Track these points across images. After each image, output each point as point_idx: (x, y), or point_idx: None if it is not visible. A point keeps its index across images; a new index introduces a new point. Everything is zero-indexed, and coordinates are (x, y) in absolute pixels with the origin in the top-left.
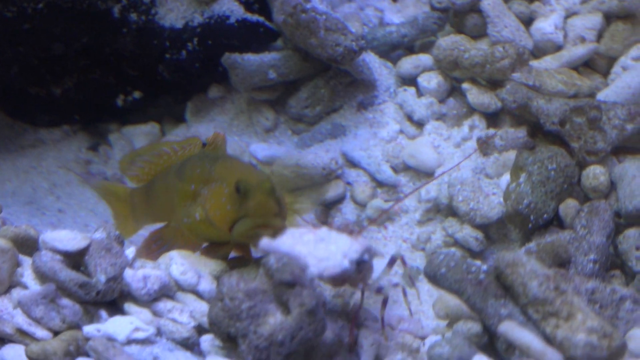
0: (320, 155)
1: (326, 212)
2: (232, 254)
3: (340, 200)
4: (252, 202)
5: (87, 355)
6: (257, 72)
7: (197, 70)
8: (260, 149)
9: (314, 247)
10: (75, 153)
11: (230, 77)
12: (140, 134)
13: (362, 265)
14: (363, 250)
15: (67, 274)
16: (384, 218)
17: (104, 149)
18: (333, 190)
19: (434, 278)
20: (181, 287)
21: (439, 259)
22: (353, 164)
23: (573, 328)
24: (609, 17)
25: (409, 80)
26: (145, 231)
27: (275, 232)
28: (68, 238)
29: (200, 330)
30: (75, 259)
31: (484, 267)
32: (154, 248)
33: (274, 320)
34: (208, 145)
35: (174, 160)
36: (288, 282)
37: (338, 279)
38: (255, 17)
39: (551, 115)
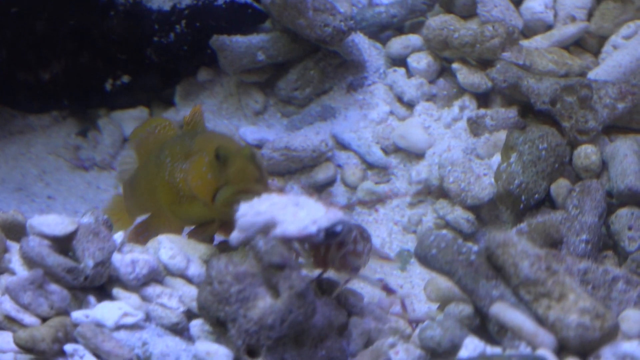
0: (310, 137)
1: (317, 195)
2: (221, 238)
3: (330, 183)
4: (232, 167)
5: (76, 341)
6: (246, 54)
7: (185, 53)
8: (250, 132)
9: (285, 210)
10: (64, 139)
11: (218, 59)
12: (130, 119)
13: (332, 237)
14: (336, 222)
15: (55, 259)
16: (374, 200)
17: (93, 134)
18: (323, 173)
19: (425, 260)
20: (170, 272)
21: (429, 240)
22: (343, 146)
23: (565, 309)
24: None
25: (399, 61)
26: None
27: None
28: (56, 222)
29: (189, 315)
30: (63, 244)
31: (475, 248)
32: (140, 240)
33: (264, 303)
34: (187, 124)
35: (150, 146)
36: (277, 265)
37: (306, 245)
38: None
39: (542, 94)
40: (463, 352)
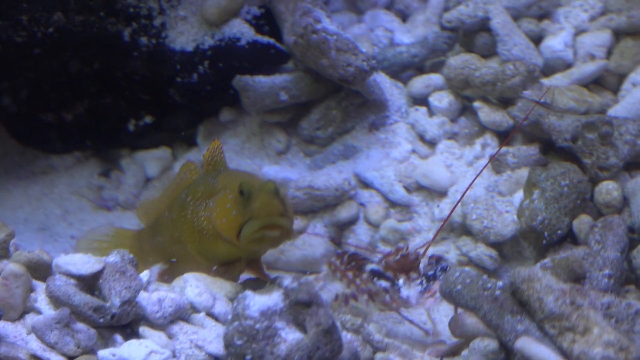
0: (333, 176)
1: (340, 234)
2: (248, 276)
3: (353, 221)
4: (256, 202)
5: None
6: (269, 94)
7: (208, 93)
8: (273, 171)
9: None
10: (87, 179)
11: (241, 99)
12: (152, 159)
13: None
14: None
15: (81, 298)
16: (397, 238)
17: (116, 174)
18: (346, 212)
19: (450, 296)
20: (196, 310)
21: (454, 276)
22: (366, 184)
23: (589, 342)
24: (618, 34)
25: (420, 100)
26: None
27: (283, 233)
28: (82, 262)
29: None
30: (90, 283)
31: (500, 283)
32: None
33: (291, 340)
34: (207, 162)
35: (177, 192)
36: (304, 302)
37: None
38: (265, 39)
39: (563, 131)
40: None
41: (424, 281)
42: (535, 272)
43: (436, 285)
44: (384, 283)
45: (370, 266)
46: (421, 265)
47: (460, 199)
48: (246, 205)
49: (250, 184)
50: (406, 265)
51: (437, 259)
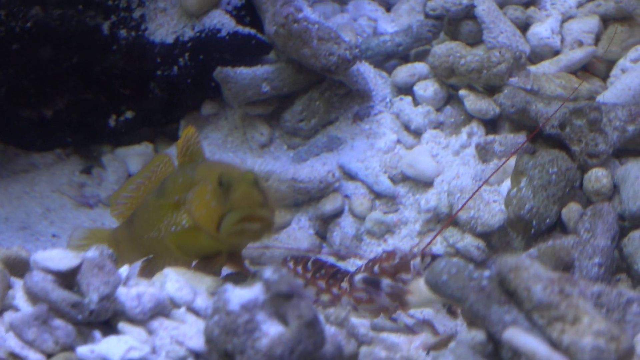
0: (316, 168)
1: (325, 227)
2: (228, 271)
3: (338, 214)
4: (235, 193)
5: None
6: (250, 85)
7: (189, 86)
8: (256, 164)
9: None
10: (68, 176)
11: (223, 91)
12: (134, 155)
13: None
14: None
15: (59, 294)
16: (383, 230)
17: (98, 171)
18: (331, 204)
19: (436, 286)
20: (177, 305)
21: (440, 266)
22: (350, 176)
23: (579, 332)
24: (606, 20)
25: (405, 90)
26: None
27: (263, 225)
28: (59, 257)
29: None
30: (68, 279)
31: (487, 273)
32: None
33: (272, 334)
34: (181, 152)
35: (151, 186)
36: (286, 294)
37: None
38: (247, 30)
39: (551, 118)
40: None
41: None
42: (523, 261)
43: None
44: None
45: (360, 275)
46: (416, 263)
47: (474, 193)
48: (226, 197)
49: (229, 175)
50: (400, 268)
51: (433, 257)
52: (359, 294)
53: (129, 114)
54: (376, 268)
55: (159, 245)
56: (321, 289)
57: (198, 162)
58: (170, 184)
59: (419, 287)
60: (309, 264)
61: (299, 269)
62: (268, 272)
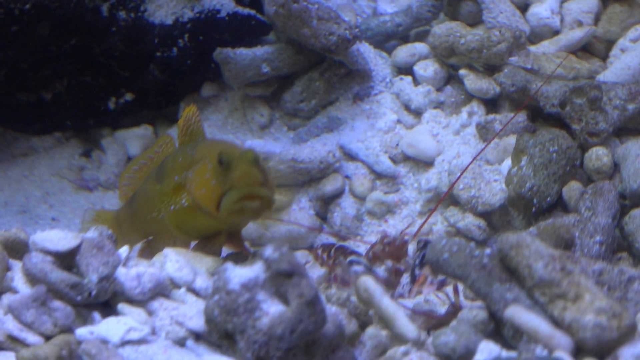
0: (317, 148)
1: (325, 207)
2: (229, 251)
3: (339, 194)
4: (235, 172)
5: (80, 359)
6: (250, 66)
7: (189, 68)
8: (256, 145)
9: None
10: (68, 160)
11: (222, 72)
12: (134, 137)
13: None
14: None
15: (58, 275)
16: (384, 211)
17: (97, 154)
18: (331, 185)
19: (437, 264)
20: (177, 285)
21: (441, 244)
22: (351, 156)
23: (581, 309)
24: (606, 0)
25: (405, 70)
26: None
27: (263, 203)
28: (58, 238)
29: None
30: (67, 260)
31: (488, 250)
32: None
33: (273, 313)
34: (182, 131)
35: (153, 167)
36: (286, 272)
37: None
38: (246, 10)
39: (551, 97)
40: (478, 357)
41: (412, 270)
42: (524, 238)
43: (427, 271)
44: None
45: (350, 258)
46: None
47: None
48: (226, 175)
49: (229, 153)
50: (394, 253)
51: (425, 243)
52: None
53: (129, 96)
54: (370, 254)
55: (158, 225)
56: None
57: (198, 140)
58: (170, 163)
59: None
60: (333, 250)
61: (325, 256)
62: (269, 251)
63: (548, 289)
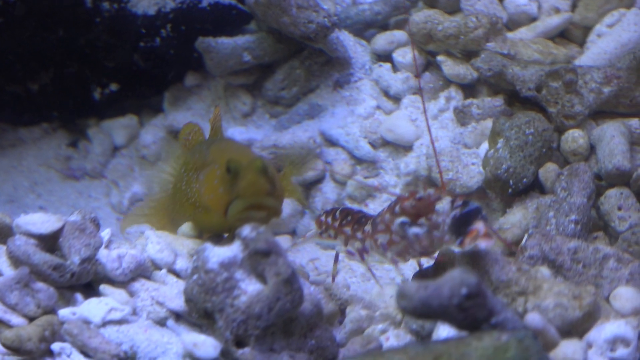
0: (298, 134)
1: (306, 192)
2: None
3: (320, 179)
4: (242, 181)
5: (63, 339)
6: (232, 55)
7: (172, 57)
8: (238, 132)
9: None
10: (55, 150)
11: (205, 61)
12: (119, 127)
13: None
14: None
15: (41, 257)
16: (364, 195)
17: (84, 144)
18: (312, 170)
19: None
20: (158, 266)
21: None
22: (331, 142)
23: (541, 296)
24: None
25: (384, 57)
26: None
27: (269, 213)
28: (42, 221)
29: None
30: (50, 243)
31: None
32: None
33: (251, 291)
34: (212, 127)
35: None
36: (263, 251)
37: None
38: (227, 0)
39: (527, 81)
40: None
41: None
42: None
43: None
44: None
45: (400, 219)
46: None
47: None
48: (233, 183)
49: (237, 162)
50: (424, 209)
51: (465, 202)
52: (381, 235)
53: (114, 87)
54: (397, 208)
55: (180, 214)
56: (348, 235)
57: (214, 140)
58: (191, 157)
59: None
60: (337, 213)
61: (329, 219)
62: (246, 230)
63: (508, 289)
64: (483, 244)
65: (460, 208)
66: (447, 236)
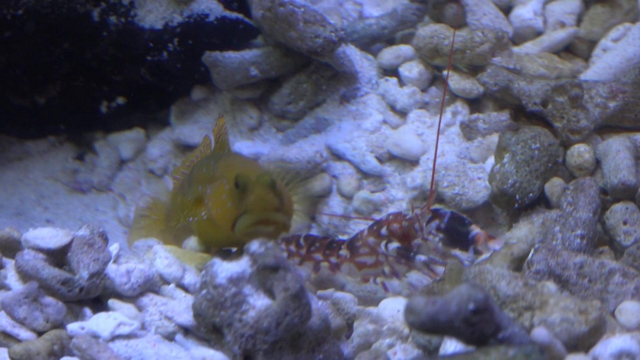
0: (304, 149)
1: (314, 207)
2: None
3: (326, 193)
4: (251, 196)
5: (72, 354)
6: (239, 69)
7: (179, 71)
8: (245, 146)
9: None
10: (62, 163)
11: (212, 75)
12: (126, 141)
13: None
14: None
15: (50, 272)
16: (370, 209)
17: (90, 157)
18: (319, 184)
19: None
20: (166, 281)
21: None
22: (338, 156)
23: (547, 311)
24: (588, 1)
25: (391, 71)
26: None
27: (278, 228)
28: (50, 235)
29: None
30: (58, 257)
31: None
32: None
33: (259, 306)
34: (216, 139)
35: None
36: (271, 266)
37: None
38: (234, 14)
39: (533, 95)
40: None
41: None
42: (485, 267)
43: (477, 229)
44: (422, 258)
45: (393, 244)
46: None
47: None
48: (241, 198)
49: (245, 177)
50: (408, 229)
51: (433, 213)
52: (363, 258)
53: (120, 100)
54: (384, 230)
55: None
56: (318, 261)
57: (222, 154)
58: (196, 171)
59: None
60: (301, 240)
61: (292, 247)
62: (254, 246)
63: (515, 304)
64: (497, 245)
65: (438, 219)
66: (441, 248)
